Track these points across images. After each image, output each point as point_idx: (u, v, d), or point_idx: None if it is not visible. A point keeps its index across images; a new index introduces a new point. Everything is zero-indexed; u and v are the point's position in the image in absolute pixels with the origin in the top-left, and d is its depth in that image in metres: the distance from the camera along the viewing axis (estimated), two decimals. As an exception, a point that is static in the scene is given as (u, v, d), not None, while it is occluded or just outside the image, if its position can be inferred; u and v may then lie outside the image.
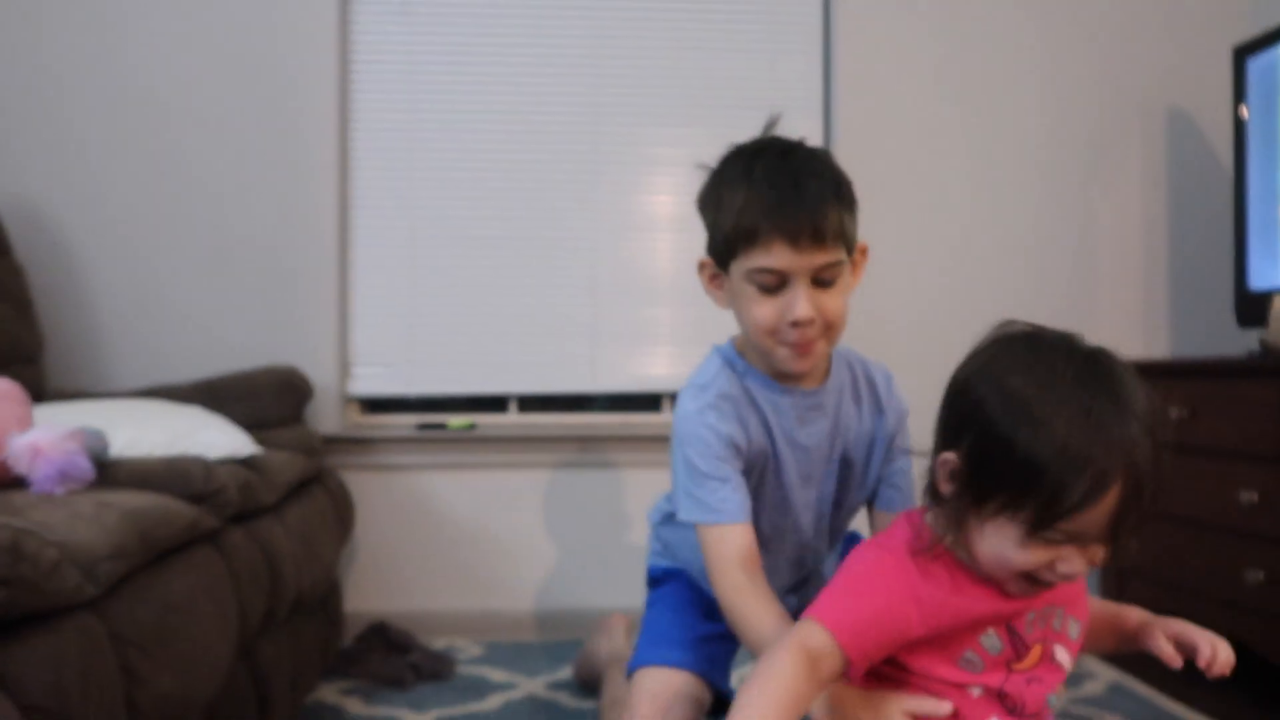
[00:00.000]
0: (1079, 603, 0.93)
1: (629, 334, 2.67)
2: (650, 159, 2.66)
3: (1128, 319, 2.70)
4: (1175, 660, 0.89)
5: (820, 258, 1.05)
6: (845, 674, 0.89)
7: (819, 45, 2.68)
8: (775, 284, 1.07)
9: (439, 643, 2.44)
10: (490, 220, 2.63)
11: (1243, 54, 2.36)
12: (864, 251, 1.16)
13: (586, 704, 2.01)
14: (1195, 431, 2.16)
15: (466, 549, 2.58)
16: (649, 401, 2.77)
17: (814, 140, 2.55)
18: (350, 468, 2.51)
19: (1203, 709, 2.01)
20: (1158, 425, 0.79)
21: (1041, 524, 0.79)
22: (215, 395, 2.15)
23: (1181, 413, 2.20)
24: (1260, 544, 1.98)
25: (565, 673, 2.22)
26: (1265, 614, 1.97)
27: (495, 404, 2.72)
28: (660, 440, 2.60)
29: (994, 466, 0.80)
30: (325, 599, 2.06)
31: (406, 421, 2.64)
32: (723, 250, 1.13)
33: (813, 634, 0.86)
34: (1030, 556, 0.81)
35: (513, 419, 2.69)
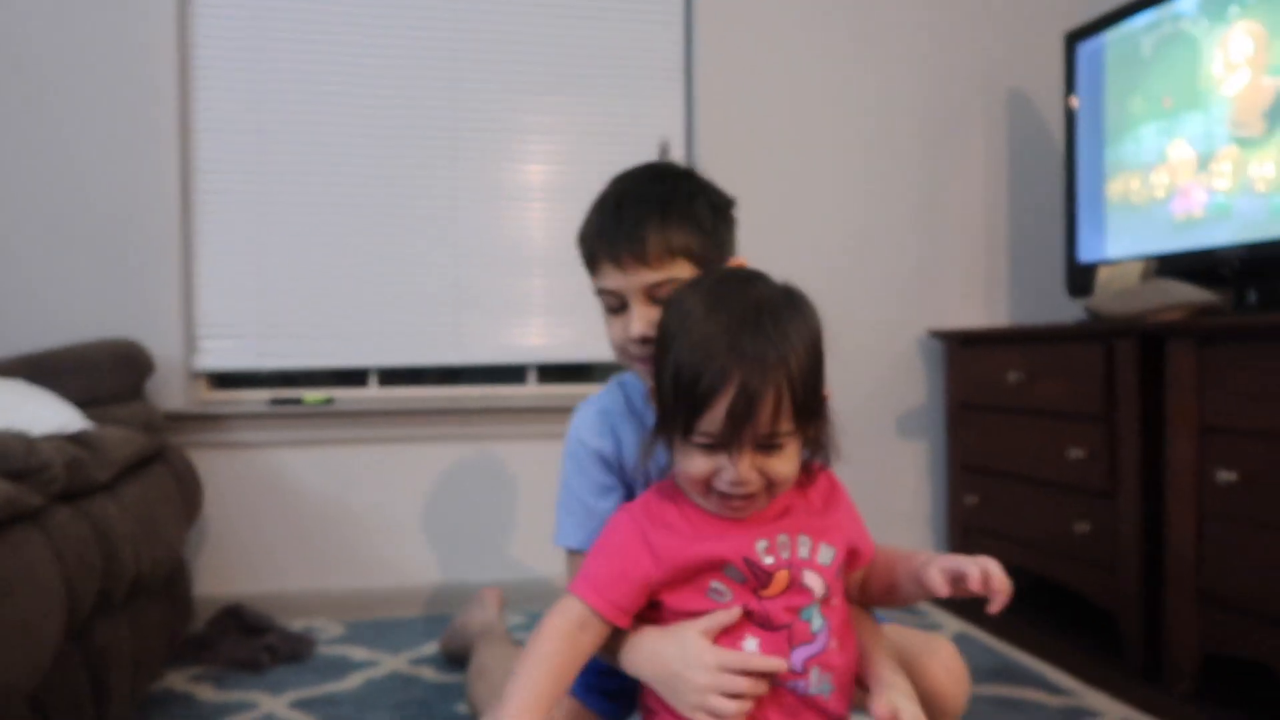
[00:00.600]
0: (835, 533, 0.97)
1: (496, 304, 2.63)
2: (516, 126, 2.62)
3: (970, 289, 2.84)
4: (943, 589, 0.93)
5: (648, 276, 1.07)
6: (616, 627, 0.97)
7: (680, 14, 2.70)
8: (616, 304, 1.11)
9: (299, 624, 2.36)
10: (347, 186, 2.54)
11: (1073, 39, 2.50)
12: (742, 267, 1.13)
13: (451, 677, 1.99)
14: (1031, 394, 2.30)
15: (327, 527, 2.50)
16: (518, 374, 2.75)
17: (675, 109, 2.64)
18: (199, 445, 2.39)
19: (1043, 655, 2.15)
20: (799, 351, 0.88)
21: (687, 429, 0.89)
22: (42, 369, 2.01)
23: (1019, 376, 2.33)
24: (1087, 497, 2.13)
25: (430, 648, 2.19)
26: (1092, 561, 2.12)
27: (354, 377, 2.64)
28: (530, 412, 2.59)
29: (661, 386, 0.92)
30: (171, 581, 1.96)
31: (259, 397, 2.53)
32: (589, 272, 1.17)
33: (570, 605, 0.96)
34: (696, 464, 0.90)
35: (373, 393, 2.62)
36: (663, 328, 0.95)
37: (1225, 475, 1.74)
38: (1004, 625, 2.33)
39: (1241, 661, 1.90)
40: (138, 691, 1.69)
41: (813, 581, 0.94)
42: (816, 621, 0.94)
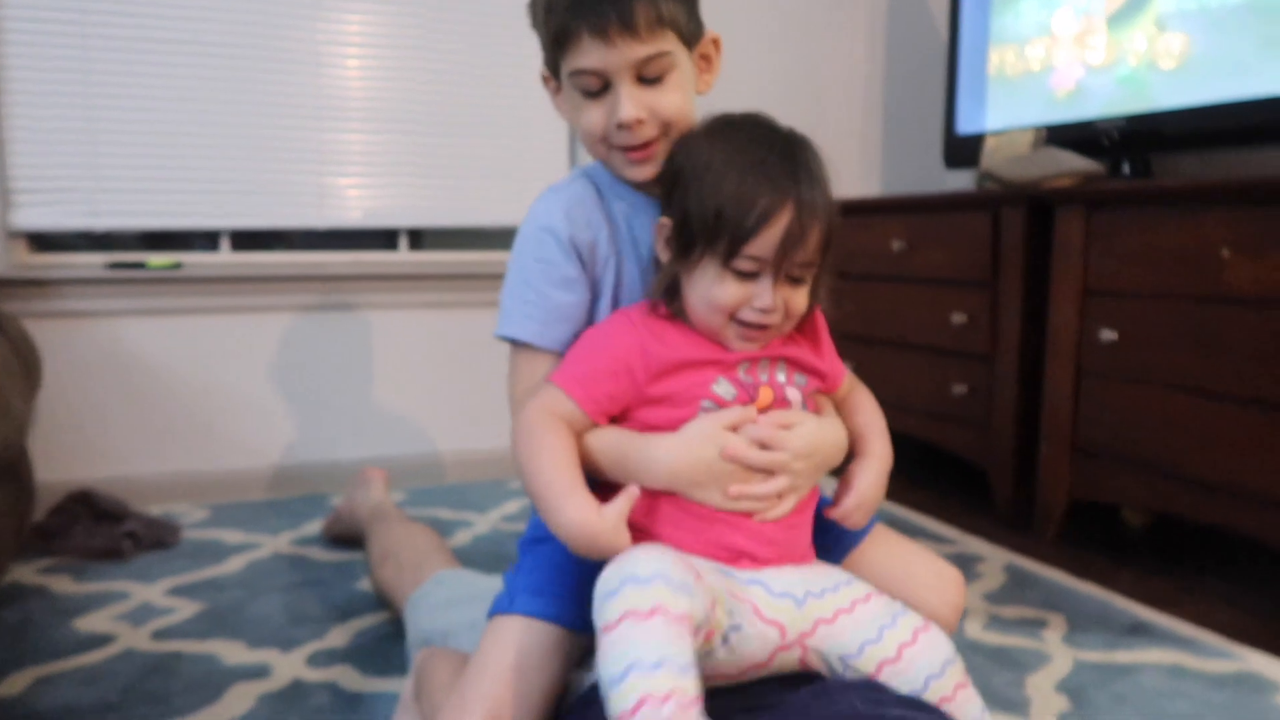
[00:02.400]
0: (805, 365, 0.99)
1: (363, 163, 2.41)
2: (380, -35, 2.36)
3: (847, 161, 2.86)
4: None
5: (638, 49, 0.94)
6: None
7: None
8: (597, 86, 0.97)
9: (155, 510, 2.16)
10: (191, 21, 2.22)
11: (962, -95, 2.48)
12: (716, 43, 1.06)
13: (344, 555, 1.89)
14: (914, 262, 2.35)
15: (180, 405, 2.27)
16: (386, 238, 2.56)
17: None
18: (26, 316, 2.09)
19: (925, 510, 2.27)
20: (828, 188, 0.92)
21: (731, 253, 0.89)
22: None
23: (901, 245, 2.38)
24: (966, 360, 2.22)
25: (311, 528, 2.06)
26: (966, 421, 2.24)
27: (204, 240, 2.38)
28: (402, 279, 2.43)
29: (692, 216, 0.90)
30: (14, 466, 1.73)
31: (94, 261, 2.24)
32: (550, 59, 1.02)
33: (552, 397, 0.93)
34: (729, 291, 0.90)
35: (226, 257, 2.37)
36: (693, 156, 0.92)
37: (1107, 334, 1.85)
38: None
39: (1094, 505, 2.07)
40: (-11, 586, 1.50)
41: (794, 396, 0.97)
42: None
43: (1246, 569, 1.86)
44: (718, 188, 0.89)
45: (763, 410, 0.94)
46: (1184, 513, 1.75)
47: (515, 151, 2.54)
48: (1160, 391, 1.77)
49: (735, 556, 0.91)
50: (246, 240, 2.42)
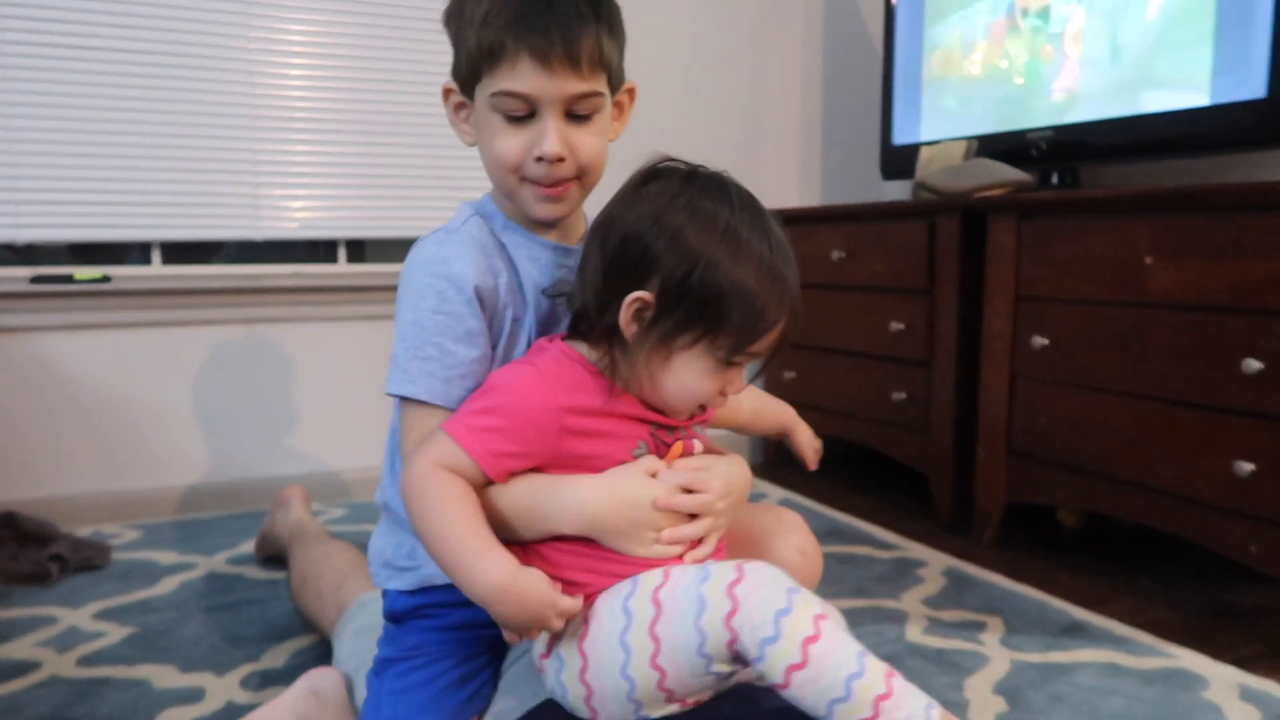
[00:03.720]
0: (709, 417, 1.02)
1: (300, 174, 2.37)
2: (314, -27, 2.33)
3: (787, 171, 2.89)
4: (812, 462, 1.24)
5: (575, 84, 0.91)
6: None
7: None
8: (523, 112, 0.92)
9: (85, 531, 2.10)
10: (121, 29, 2.16)
11: (895, -80, 2.53)
12: (631, 93, 1.02)
13: (278, 574, 1.84)
14: (853, 271, 2.38)
15: (108, 422, 2.21)
16: (323, 250, 2.52)
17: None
18: (-59, 332, 2.02)
19: (865, 516, 2.29)
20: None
21: (736, 350, 0.88)
22: None
23: (840, 254, 2.41)
24: (904, 367, 2.26)
25: (248, 546, 2.01)
26: (906, 427, 2.27)
27: (137, 253, 2.32)
28: (337, 292, 2.39)
29: (694, 302, 0.85)
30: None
31: (17, 275, 2.17)
32: (466, 73, 0.95)
33: (452, 454, 0.86)
34: (714, 383, 0.90)
35: (156, 270, 2.31)
36: (671, 228, 0.86)
37: (1039, 340, 1.89)
38: (826, 491, 2.46)
39: (1031, 507, 2.12)
40: (-95, 614, 1.44)
41: (697, 445, 0.98)
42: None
43: (1177, 567, 1.92)
44: (736, 274, 0.85)
45: (670, 460, 0.94)
46: (1116, 512, 1.79)
47: (454, 161, 2.52)
48: (1090, 394, 1.81)
49: None
50: (179, 253, 2.36)
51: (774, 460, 2.74)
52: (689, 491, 0.91)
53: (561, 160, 0.92)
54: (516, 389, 0.88)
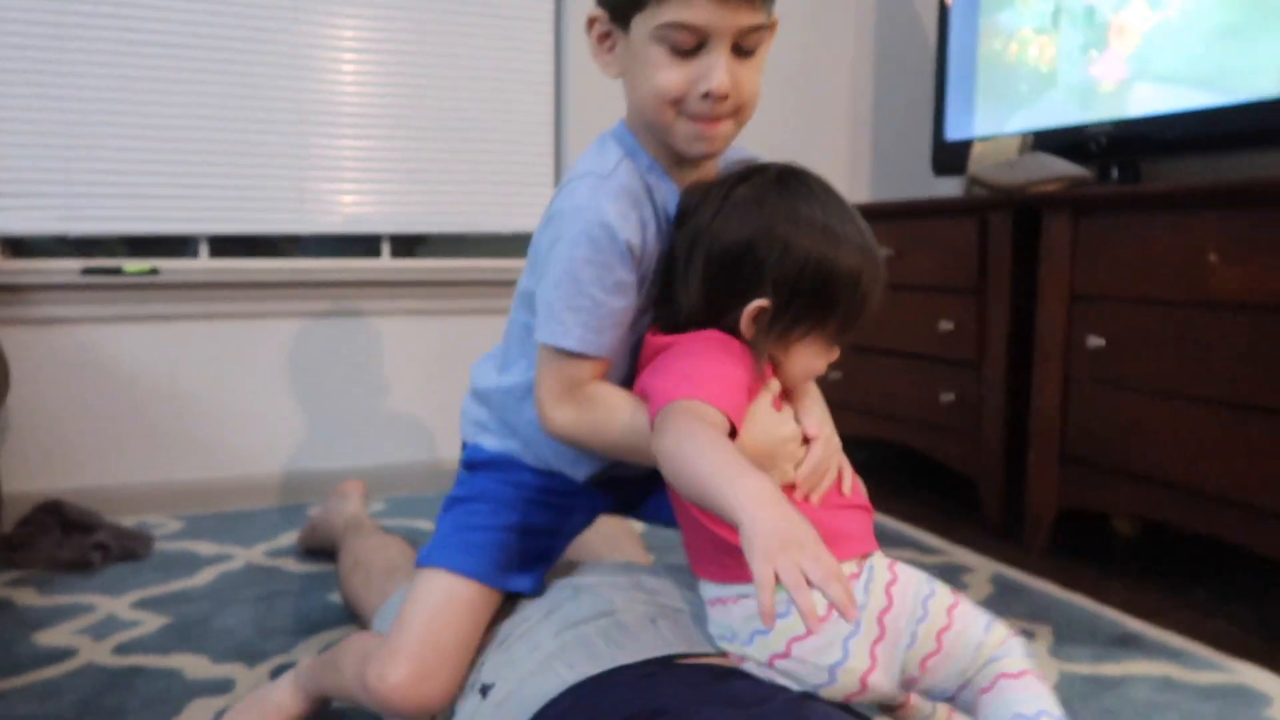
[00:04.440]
0: None
1: (344, 168, 2.38)
2: (361, -31, 2.34)
3: (837, 167, 2.83)
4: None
5: (748, 16, 0.87)
6: None
7: None
8: (692, 44, 0.88)
9: (128, 521, 2.12)
10: (171, 24, 2.19)
11: (949, -90, 2.46)
12: (773, 28, 0.96)
13: (318, 567, 1.85)
14: (902, 269, 2.32)
15: (156, 413, 2.24)
16: (366, 244, 2.53)
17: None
18: (-5, 322, 2.06)
19: (910, 520, 2.23)
20: None
21: (844, 329, 0.94)
22: None
23: (889, 252, 2.35)
24: (953, 368, 2.19)
25: (287, 539, 2.02)
26: (954, 430, 2.20)
27: (180, 245, 2.35)
28: (385, 286, 2.40)
29: (807, 299, 0.90)
30: (-23, 475, 1.69)
31: (69, 266, 2.20)
32: (625, 2, 0.90)
33: (706, 412, 0.83)
34: (827, 358, 0.97)
35: (204, 263, 2.34)
36: (795, 236, 0.89)
37: (1094, 340, 1.82)
38: (870, 495, 2.40)
39: (1084, 514, 2.04)
40: (-51, 598, 1.46)
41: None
42: None
43: (1237, 578, 1.83)
44: (836, 277, 0.90)
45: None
46: (1173, 521, 1.72)
47: (499, 158, 2.51)
48: (1148, 398, 1.74)
49: None
50: (226, 246, 2.38)
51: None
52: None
53: (726, 97, 0.89)
54: (724, 351, 0.91)
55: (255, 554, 1.93)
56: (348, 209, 2.40)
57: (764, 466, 0.84)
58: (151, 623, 1.57)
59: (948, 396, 2.20)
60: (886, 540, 2.03)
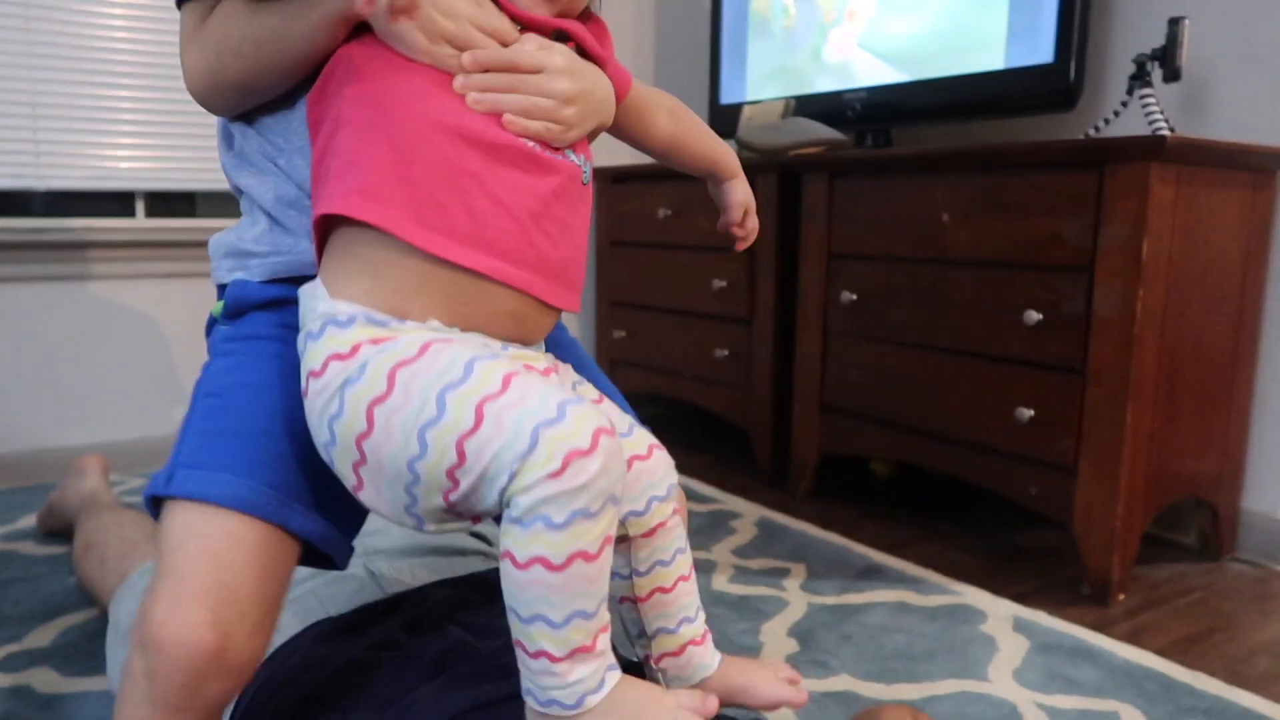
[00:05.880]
0: (591, 50, 0.83)
1: (83, 120, 2.18)
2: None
3: (620, 130, 2.86)
4: (736, 216, 1.04)
5: None
6: None
7: None
8: None
9: None
10: None
11: (722, -123, 2.52)
12: None
13: (59, 549, 1.71)
14: (679, 229, 2.39)
15: None
16: (115, 201, 2.33)
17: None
18: None
19: (688, 472, 2.30)
20: None
21: None
22: None
23: (667, 213, 2.41)
24: (727, 324, 2.28)
25: (26, 521, 1.86)
26: (727, 384, 2.30)
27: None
28: (136, 246, 2.23)
29: None
30: None
31: None
32: None
33: None
34: None
35: (-81, 223, 2.09)
36: None
37: (847, 296, 1.94)
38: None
39: (845, 459, 2.18)
40: None
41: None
42: None
43: (978, 512, 2.02)
44: None
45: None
46: (919, 462, 1.87)
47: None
48: (896, 349, 1.87)
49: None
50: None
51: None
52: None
53: None
54: None
55: (-12, 539, 1.77)
56: (93, 163, 2.20)
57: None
58: None
59: (722, 352, 2.29)
60: (664, 492, 2.10)
